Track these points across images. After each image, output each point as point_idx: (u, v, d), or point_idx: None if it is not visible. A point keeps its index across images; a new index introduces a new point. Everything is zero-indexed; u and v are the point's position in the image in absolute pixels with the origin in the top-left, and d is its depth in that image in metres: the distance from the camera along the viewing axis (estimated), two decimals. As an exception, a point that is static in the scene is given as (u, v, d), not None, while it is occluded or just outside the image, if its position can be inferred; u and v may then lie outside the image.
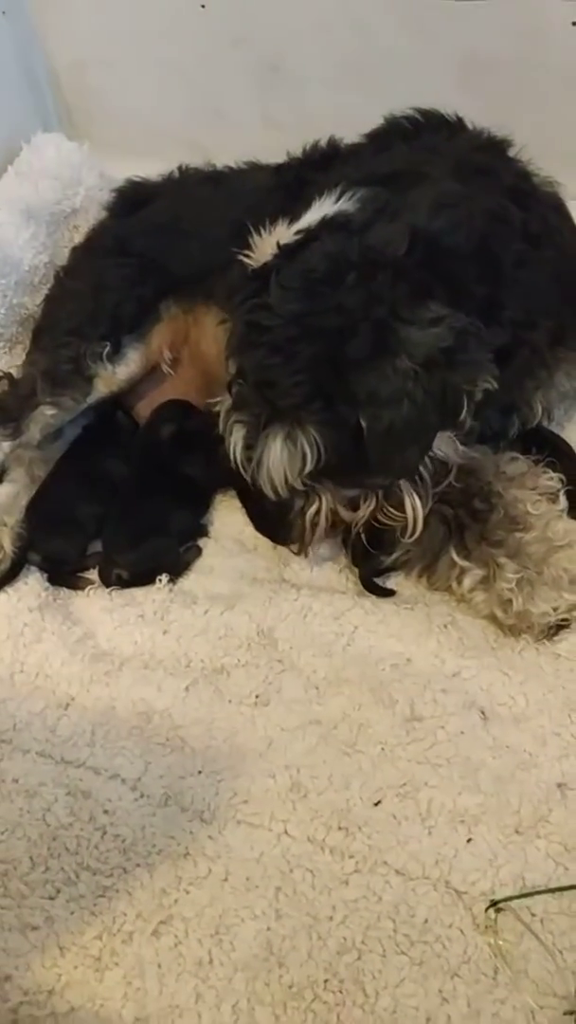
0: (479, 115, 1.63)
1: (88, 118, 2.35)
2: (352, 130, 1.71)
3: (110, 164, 2.12)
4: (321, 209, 1.38)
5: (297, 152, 1.76)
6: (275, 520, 1.49)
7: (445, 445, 1.38)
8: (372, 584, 1.48)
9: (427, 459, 1.37)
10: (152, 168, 1.92)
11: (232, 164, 1.87)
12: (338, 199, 1.38)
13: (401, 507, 1.37)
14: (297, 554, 1.48)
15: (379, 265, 1.29)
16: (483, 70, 1.99)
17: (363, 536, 1.43)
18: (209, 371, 1.72)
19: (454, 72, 2.00)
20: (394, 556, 1.46)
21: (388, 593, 1.48)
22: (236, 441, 1.38)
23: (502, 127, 1.61)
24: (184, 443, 1.65)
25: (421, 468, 1.36)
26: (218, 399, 1.43)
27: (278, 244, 1.35)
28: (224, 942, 1.16)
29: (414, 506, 1.36)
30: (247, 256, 1.42)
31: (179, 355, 1.74)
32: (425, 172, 1.45)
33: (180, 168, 1.88)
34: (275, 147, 1.78)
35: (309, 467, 1.32)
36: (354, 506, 1.39)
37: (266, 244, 1.40)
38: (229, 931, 1.16)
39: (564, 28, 1.90)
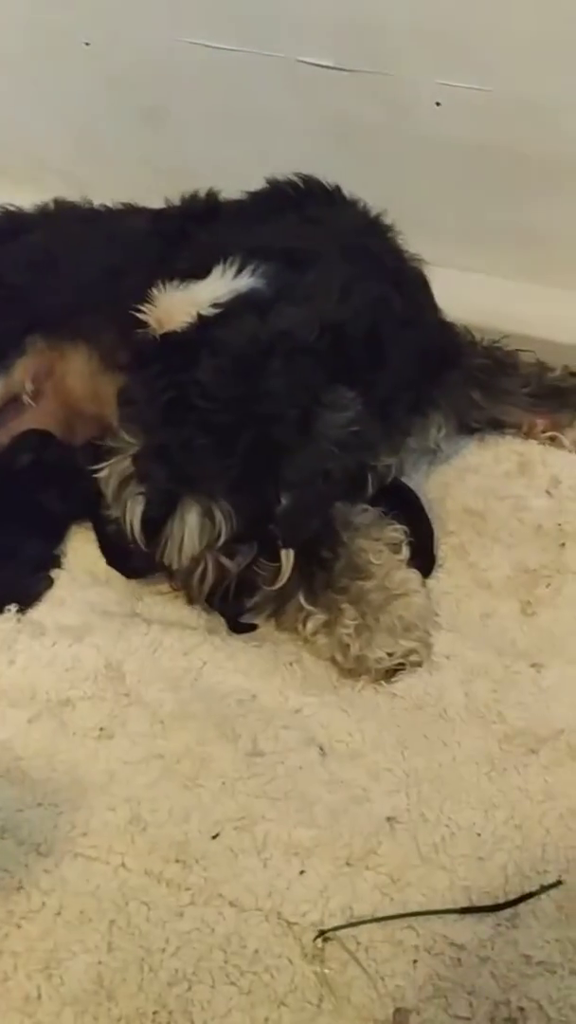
0: (352, 179, 1.72)
1: (-38, 141, 2.33)
2: (229, 182, 1.77)
3: (-17, 189, 2.11)
4: (227, 281, 1.41)
5: (174, 197, 1.80)
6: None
7: None
8: (239, 624, 1.52)
9: None
10: (27, 196, 1.92)
11: (109, 202, 1.89)
12: (240, 270, 1.42)
13: (275, 557, 1.42)
14: (189, 604, 1.52)
15: (299, 351, 1.36)
16: (357, 137, 2.10)
17: (230, 582, 1.46)
18: (72, 406, 1.73)
19: (330, 136, 2.10)
20: (255, 600, 1.50)
21: (252, 628, 1.52)
22: (135, 514, 1.38)
23: (372, 192, 1.71)
24: (41, 473, 1.65)
25: None
26: (104, 464, 1.42)
27: (199, 315, 1.36)
28: (54, 977, 1.15)
29: (288, 558, 1.41)
30: (146, 312, 1.41)
31: (42, 388, 1.74)
32: (318, 251, 1.52)
33: (55, 201, 1.89)
34: (152, 189, 1.82)
35: (224, 538, 1.35)
36: (231, 556, 1.43)
37: (170, 304, 1.40)
38: (60, 965, 1.16)
39: (429, 107, 2.04)
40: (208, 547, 1.36)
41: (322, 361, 1.38)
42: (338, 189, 1.70)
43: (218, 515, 1.33)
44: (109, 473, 1.40)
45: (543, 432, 1.81)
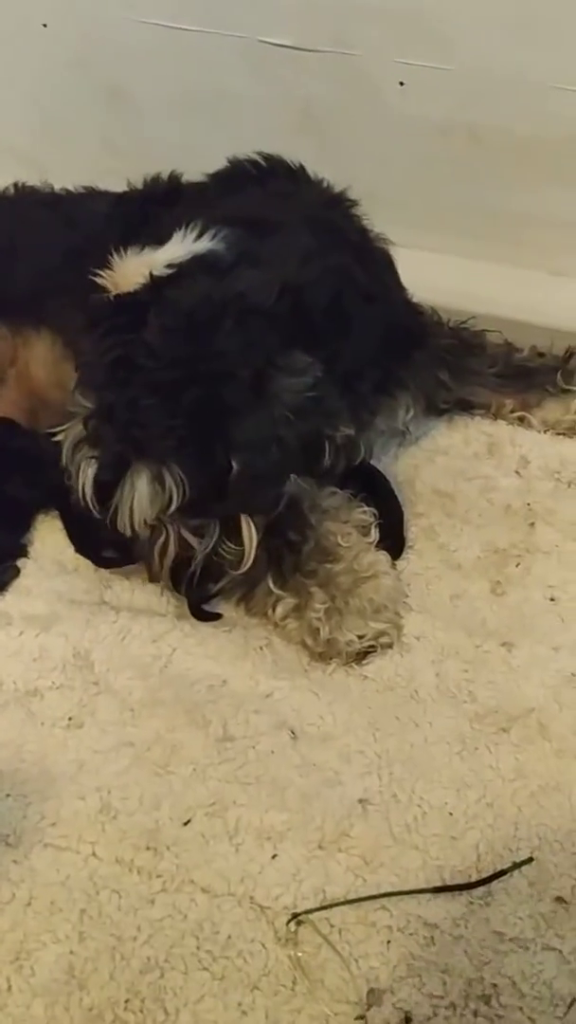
0: (316, 160, 1.71)
1: None
2: (191, 164, 1.75)
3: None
4: (186, 244, 1.41)
5: (136, 180, 1.78)
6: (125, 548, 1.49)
7: None
8: (201, 612, 1.51)
9: None
10: (-8, 181, 1.90)
11: (70, 184, 1.86)
12: (201, 235, 1.41)
13: (238, 538, 1.40)
14: (152, 582, 1.49)
15: (253, 312, 1.34)
16: (320, 118, 2.09)
17: (196, 567, 1.44)
18: (36, 394, 1.71)
19: (293, 117, 2.08)
20: (220, 585, 1.48)
21: (216, 617, 1.51)
22: (87, 478, 1.36)
23: (336, 173, 1.70)
24: (6, 462, 1.63)
25: None
26: (61, 427, 1.41)
27: (151, 275, 1.36)
28: (24, 968, 1.14)
29: (251, 538, 1.39)
30: (104, 277, 1.41)
31: (4, 376, 1.72)
32: (281, 221, 1.51)
33: (15, 185, 1.86)
34: (115, 171, 1.79)
35: (175, 505, 1.33)
36: (198, 534, 1.41)
37: (127, 268, 1.40)
38: (30, 956, 1.15)
39: (392, 87, 2.02)
40: (162, 512, 1.34)
41: (279, 324, 1.36)
42: (302, 167, 1.69)
43: (168, 480, 1.31)
44: (64, 437, 1.38)
45: (512, 412, 1.81)
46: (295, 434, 1.34)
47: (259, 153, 1.69)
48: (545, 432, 1.79)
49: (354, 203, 1.67)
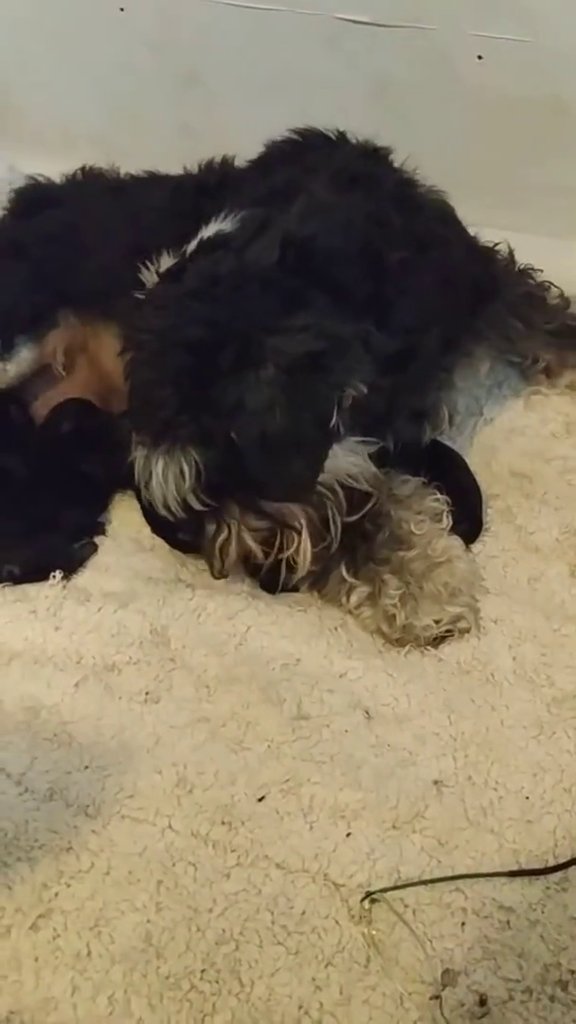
0: (393, 138, 1.68)
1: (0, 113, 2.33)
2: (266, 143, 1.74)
3: (23, 160, 2.11)
4: (201, 234, 1.43)
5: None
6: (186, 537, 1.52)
7: (361, 472, 1.43)
8: (276, 587, 1.50)
9: (337, 486, 1.40)
10: (59, 164, 1.91)
11: (144, 168, 1.87)
12: (219, 222, 1.43)
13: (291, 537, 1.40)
14: (216, 577, 1.48)
15: (248, 277, 1.33)
16: (396, 95, 2.06)
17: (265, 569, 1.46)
18: (107, 381, 1.72)
19: (370, 94, 2.06)
20: (295, 578, 1.48)
21: (293, 589, 1.51)
22: (138, 461, 1.39)
23: (414, 151, 1.67)
24: (83, 441, 1.65)
25: (330, 495, 1.39)
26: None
27: (157, 272, 1.40)
28: (103, 935, 1.16)
29: (303, 542, 1.39)
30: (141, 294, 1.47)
31: (75, 361, 1.74)
32: (301, 187, 1.49)
33: (83, 169, 1.86)
34: (189, 154, 1.79)
35: (189, 484, 1.33)
36: (268, 543, 1.41)
37: (154, 277, 1.46)
38: (109, 924, 1.17)
39: (470, 61, 1.98)
40: (181, 493, 1.34)
41: (278, 284, 1.34)
42: (342, 134, 1.64)
43: (179, 457, 1.32)
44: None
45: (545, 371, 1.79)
46: (290, 395, 1.28)
47: (294, 130, 1.66)
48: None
49: (389, 152, 1.62)
